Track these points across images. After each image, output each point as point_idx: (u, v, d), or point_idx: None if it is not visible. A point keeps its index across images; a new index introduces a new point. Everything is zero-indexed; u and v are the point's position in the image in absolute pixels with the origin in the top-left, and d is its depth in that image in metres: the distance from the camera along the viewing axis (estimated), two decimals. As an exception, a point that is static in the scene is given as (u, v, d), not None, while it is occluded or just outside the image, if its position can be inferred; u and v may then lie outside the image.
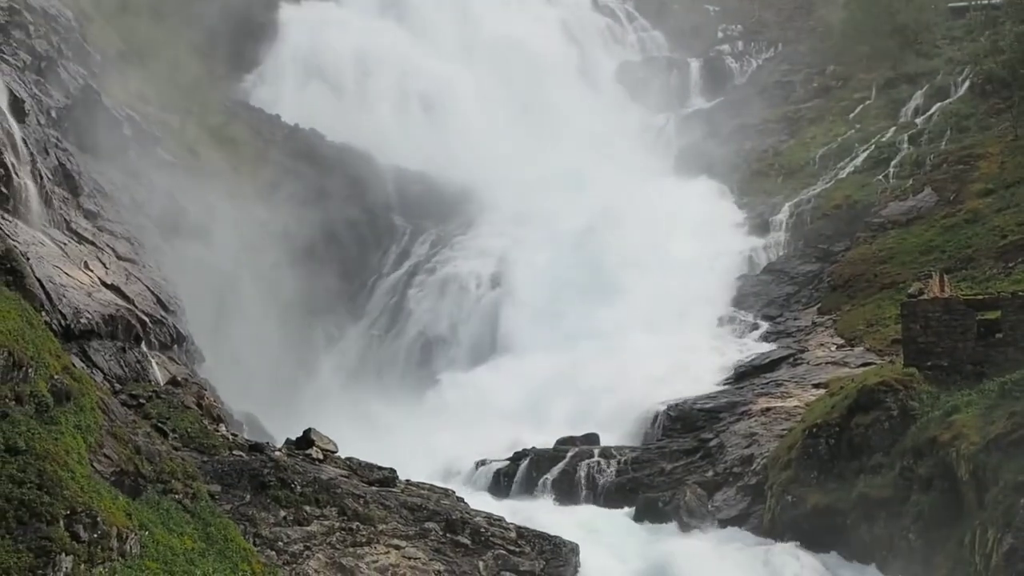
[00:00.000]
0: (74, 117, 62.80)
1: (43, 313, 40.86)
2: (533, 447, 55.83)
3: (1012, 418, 37.44)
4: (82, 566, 26.94)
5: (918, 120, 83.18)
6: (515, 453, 55.90)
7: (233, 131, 78.45)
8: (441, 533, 39.45)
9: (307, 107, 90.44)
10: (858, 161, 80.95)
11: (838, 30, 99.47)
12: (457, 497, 43.76)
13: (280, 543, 35.61)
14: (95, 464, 30.14)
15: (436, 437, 59.72)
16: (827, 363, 57.77)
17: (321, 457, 42.76)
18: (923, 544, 39.16)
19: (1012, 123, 73.37)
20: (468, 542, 39.55)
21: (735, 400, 56.28)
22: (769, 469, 47.86)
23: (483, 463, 56.12)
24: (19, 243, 44.62)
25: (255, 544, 34.54)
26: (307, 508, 37.33)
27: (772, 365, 60.11)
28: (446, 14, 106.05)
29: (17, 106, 54.62)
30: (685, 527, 47.28)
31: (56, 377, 30.71)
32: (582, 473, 53.09)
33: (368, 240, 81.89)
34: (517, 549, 40.31)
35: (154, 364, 49.17)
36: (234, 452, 39.75)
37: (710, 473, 51.23)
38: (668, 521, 47.79)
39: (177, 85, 76.50)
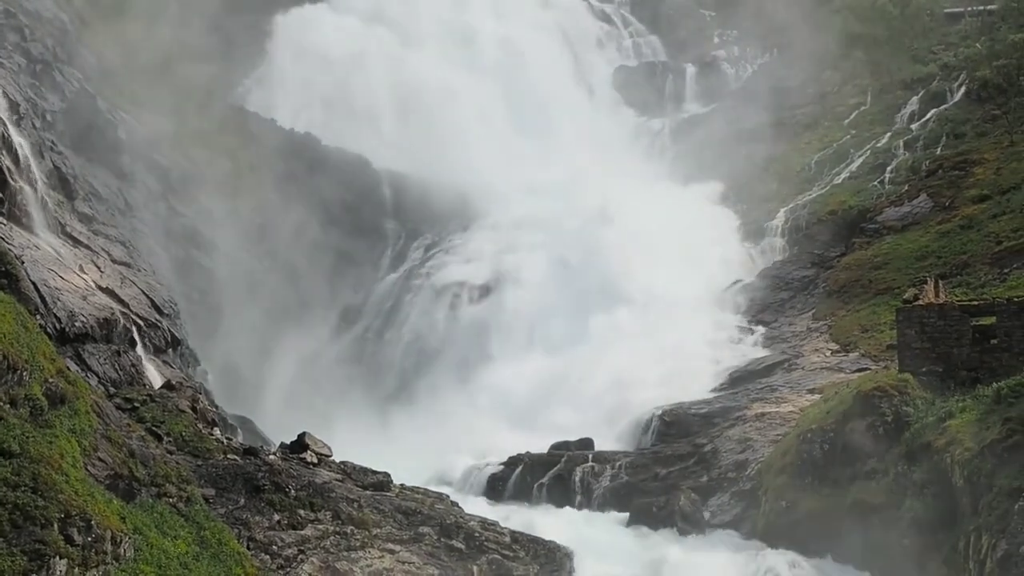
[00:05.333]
0: (69, 120, 62.78)
1: (38, 316, 40.87)
2: (527, 452, 55.80)
3: (1007, 424, 37.50)
4: (76, 570, 26.92)
5: (914, 126, 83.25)
6: (509, 458, 55.87)
7: (228, 135, 78.24)
8: (435, 537, 39.49)
9: (303, 111, 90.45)
10: (854, 167, 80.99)
11: (834, 36, 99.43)
12: (451, 502, 43.85)
13: (274, 547, 35.60)
14: (89, 468, 30.13)
15: (430, 441, 59.68)
16: (822, 368, 57.79)
17: (315, 461, 42.79)
18: (917, 550, 39.21)
19: (1007, 129, 73.51)
20: (462, 547, 39.59)
21: (730, 405, 56.26)
22: (763, 474, 47.91)
23: (477, 468, 56.12)
24: (14, 246, 44.62)
25: (249, 548, 34.54)
26: (301, 512, 37.35)
27: (767, 370, 60.14)
28: (442, 19, 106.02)
29: (12, 109, 54.62)
30: (679, 532, 47.30)
31: (51, 380, 30.70)
32: (576, 478, 53.10)
33: (363, 244, 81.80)
34: (511, 554, 40.34)
35: (149, 368, 49.14)
36: (228, 456, 39.75)
37: (704, 478, 51.26)
38: (662, 526, 47.83)
39: (172, 89, 76.37)
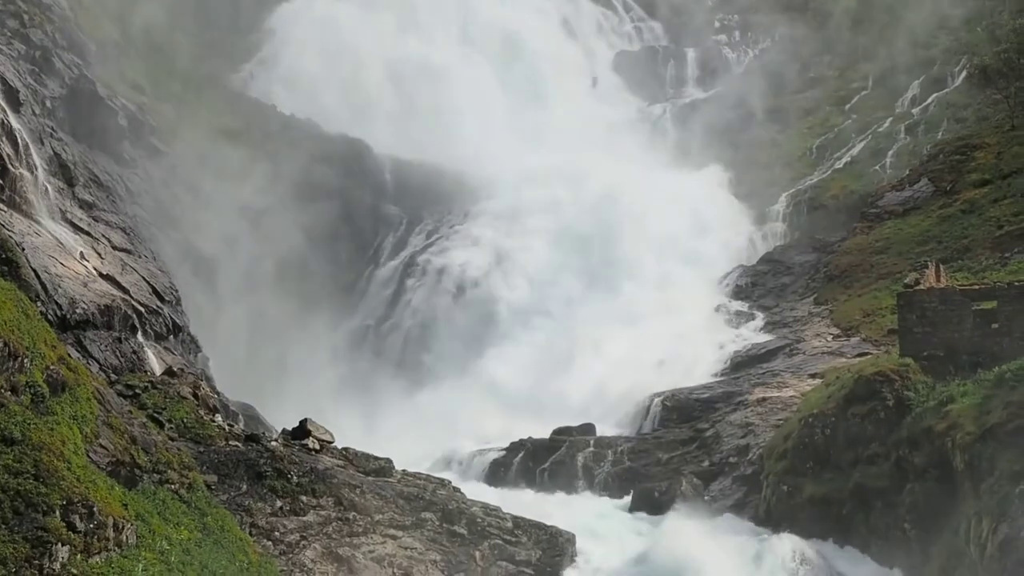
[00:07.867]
0: (69, 107, 62.79)
1: (39, 303, 40.87)
2: (529, 437, 55.86)
3: (1008, 408, 37.44)
4: (78, 556, 26.94)
5: (915, 110, 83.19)
6: (511, 443, 55.97)
7: (228, 121, 78.20)
8: (437, 523, 39.51)
9: (303, 97, 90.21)
10: (855, 151, 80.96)
11: (835, 20, 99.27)
12: (453, 487, 43.81)
13: (276, 533, 35.63)
14: (91, 454, 30.12)
15: (432, 427, 59.74)
16: (823, 353, 57.75)
17: (317, 447, 42.79)
18: (918, 533, 39.23)
19: (1009, 113, 73.36)
20: (464, 532, 39.60)
21: (731, 390, 56.29)
22: (765, 459, 47.88)
23: (479, 453, 56.18)
24: (14, 233, 44.63)
25: (251, 534, 34.57)
26: (303, 498, 37.38)
27: (768, 355, 60.13)
28: (443, 4, 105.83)
29: (12, 95, 54.61)
30: (681, 517, 47.28)
31: (52, 367, 30.67)
32: (578, 463, 53.15)
33: (364, 230, 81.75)
34: (513, 539, 40.36)
35: (150, 354, 49.16)
36: (230, 442, 39.77)
37: (706, 463, 51.28)
38: (664, 511, 47.79)
39: (172, 75, 76.39)
